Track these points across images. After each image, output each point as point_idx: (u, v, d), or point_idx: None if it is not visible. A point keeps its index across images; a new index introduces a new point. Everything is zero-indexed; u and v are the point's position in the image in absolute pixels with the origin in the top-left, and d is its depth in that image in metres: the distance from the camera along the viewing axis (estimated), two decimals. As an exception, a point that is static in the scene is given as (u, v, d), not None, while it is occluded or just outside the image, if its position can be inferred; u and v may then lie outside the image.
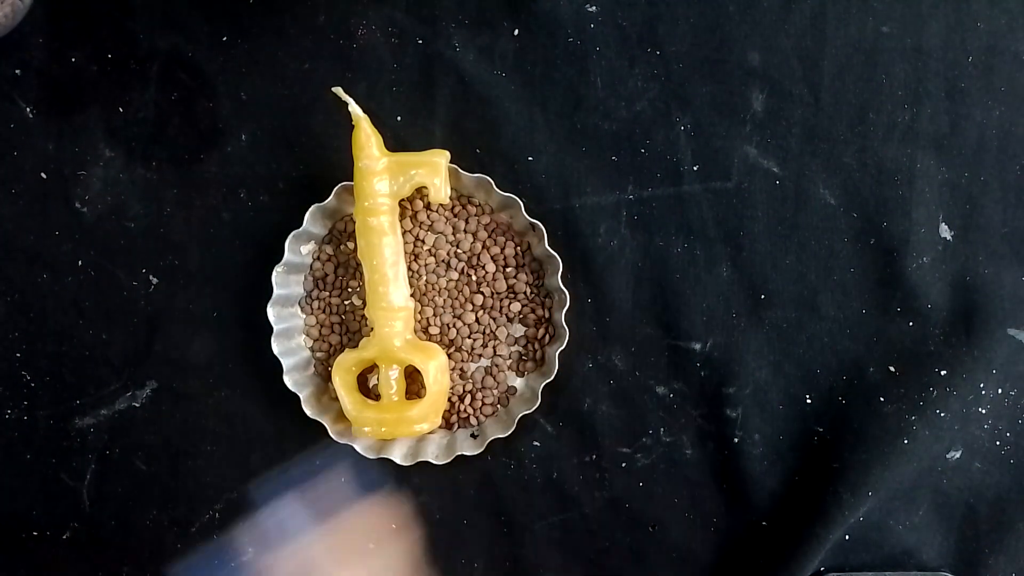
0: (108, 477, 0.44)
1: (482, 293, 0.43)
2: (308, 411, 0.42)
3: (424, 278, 0.43)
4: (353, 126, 0.40)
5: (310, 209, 0.42)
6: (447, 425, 0.44)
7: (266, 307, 0.42)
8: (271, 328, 0.42)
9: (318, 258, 0.44)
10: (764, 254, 0.44)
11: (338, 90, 0.40)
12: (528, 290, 0.44)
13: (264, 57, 0.44)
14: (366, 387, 0.44)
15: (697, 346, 0.44)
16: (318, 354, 0.44)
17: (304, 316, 0.44)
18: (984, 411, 0.44)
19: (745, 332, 0.44)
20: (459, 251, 0.43)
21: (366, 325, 0.44)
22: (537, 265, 0.44)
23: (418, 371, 0.42)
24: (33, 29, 0.43)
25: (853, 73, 0.44)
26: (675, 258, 0.44)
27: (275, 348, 0.42)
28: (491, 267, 0.43)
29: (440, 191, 0.41)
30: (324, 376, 0.44)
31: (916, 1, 0.44)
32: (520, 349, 0.44)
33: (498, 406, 0.44)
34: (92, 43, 0.44)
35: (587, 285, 0.44)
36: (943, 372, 0.43)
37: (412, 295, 0.43)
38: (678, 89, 0.44)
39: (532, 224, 0.42)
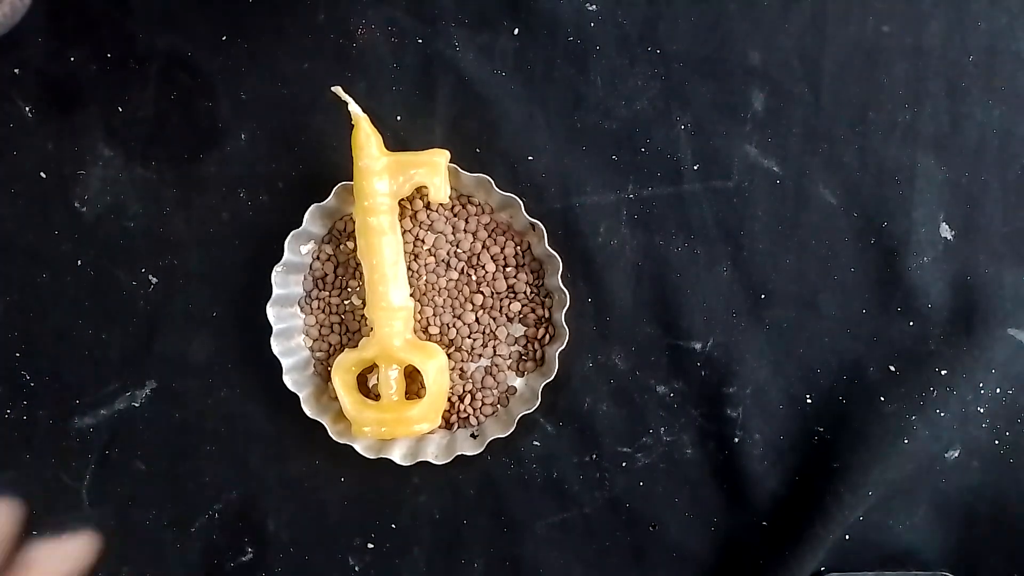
0: (108, 477, 0.44)
1: (482, 293, 0.43)
2: (308, 411, 0.42)
3: (424, 278, 0.43)
4: (353, 126, 0.40)
5: (310, 209, 0.42)
6: (447, 425, 0.44)
7: (266, 307, 0.42)
8: (271, 328, 0.42)
9: (318, 258, 0.44)
10: (764, 254, 0.44)
11: (338, 90, 0.40)
12: (528, 290, 0.44)
13: (264, 57, 0.44)
14: (366, 387, 0.44)
15: (697, 346, 0.44)
16: (318, 354, 0.44)
17: (304, 316, 0.44)
18: (983, 410, 0.44)
19: (745, 332, 0.44)
20: (459, 251, 0.43)
21: (366, 325, 0.44)
22: (537, 265, 0.44)
23: (418, 371, 0.42)
24: (33, 29, 0.43)
25: (853, 72, 0.44)
26: (675, 257, 0.44)
27: (275, 348, 0.42)
28: (491, 267, 0.43)
29: (440, 191, 0.41)
30: (324, 376, 0.44)
31: (916, 1, 0.44)
32: (520, 349, 0.44)
33: (498, 406, 0.44)
34: (91, 43, 0.44)
35: (587, 285, 0.44)
36: (943, 372, 0.43)
37: (412, 295, 0.43)
38: (678, 88, 0.44)
39: (532, 224, 0.42)
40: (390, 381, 0.42)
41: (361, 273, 0.43)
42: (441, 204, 0.43)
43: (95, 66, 0.44)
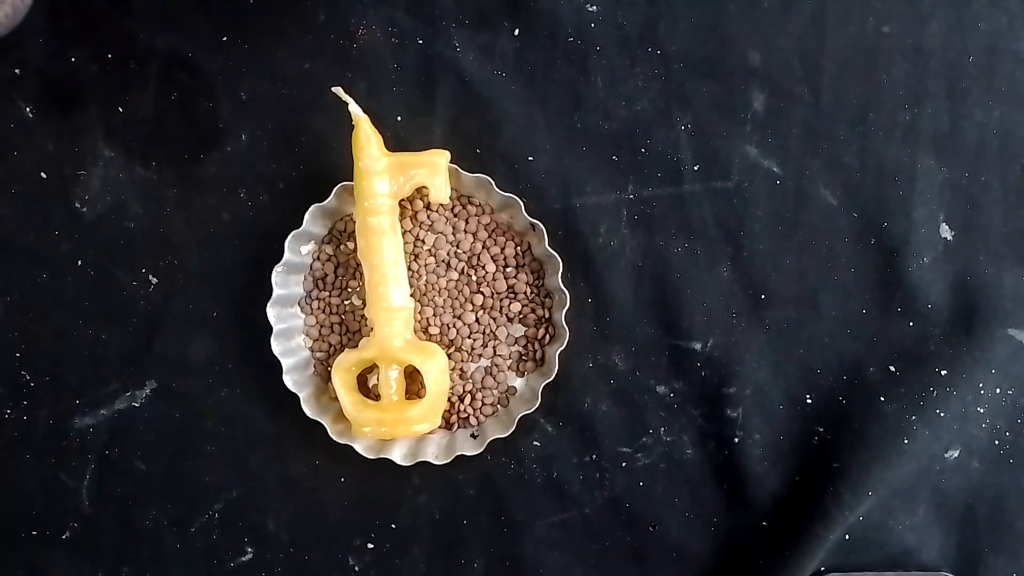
0: (108, 477, 0.44)
1: (482, 293, 0.43)
2: (308, 411, 0.42)
3: (424, 278, 0.43)
4: (353, 126, 0.40)
5: (310, 209, 0.42)
6: (447, 425, 0.44)
7: (266, 307, 0.42)
8: (271, 328, 0.42)
9: (318, 258, 0.44)
10: (764, 254, 0.44)
11: (338, 90, 0.40)
12: (528, 290, 0.44)
13: (264, 57, 0.44)
14: (366, 387, 0.44)
15: (697, 346, 0.44)
16: (318, 354, 0.44)
17: (304, 316, 0.44)
18: (982, 410, 0.44)
19: (745, 332, 0.44)
20: (459, 251, 0.43)
21: (366, 325, 0.44)
22: (537, 265, 0.44)
23: (418, 371, 0.42)
24: (33, 29, 0.43)
25: (853, 73, 0.44)
26: (675, 258, 0.44)
27: (275, 348, 0.42)
28: (491, 267, 0.43)
29: (440, 191, 0.41)
30: (324, 376, 0.44)
31: (916, 1, 0.44)
32: (520, 349, 0.44)
33: (498, 406, 0.44)
34: (92, 43, 0.44)
35: (587, 285, 0.44)
36: (943, 372, 0.43)
37: (412, 295, 0.43)
38: (678, 89, 0.44)
39: (532, 224, 0.42)
40: (390, 381, 0.42)
41: (361, 273, 0.43)
42: (441, 204, 0.43)
43: (95, 66, 0.44)
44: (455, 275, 0.43)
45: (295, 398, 0.42)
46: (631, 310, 0.44)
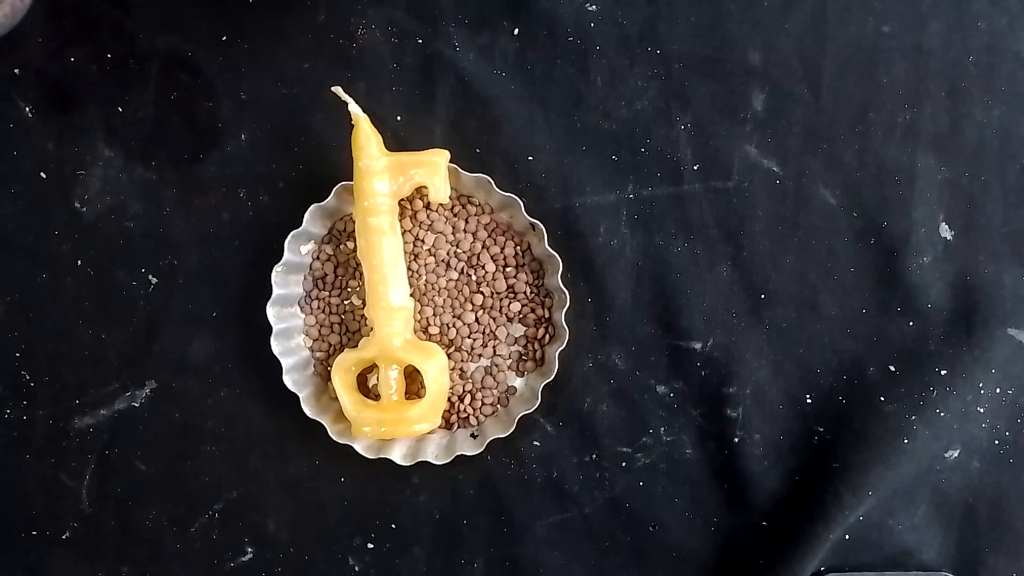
0: (108, 477, 0.44)
1: (482, 293, 0.43)
2: (308, 411, 0.42)
3: (424, 278, 0.43)
4: (353, 126, 0.40)
5: (310, 209, 0.42)
6: (447, 425, 0.44)
7: (266, 307, 0.42)
8: (271, 328, 0.42)
9: (317, 258, 0.44)
10: (764, 254, 0.44)
11: (338, 89, 0.40)
12: (528, 290, 0.44)
13: (264, 57, 0.44)
14: (366, 387, 0.44)
15: (697, 345, 0.44)
16: (318, 354, 0.44)
17: (304, 316, 0.44)
18: (983, 410, 0.44)
19: (745, 332, 0.44)
20: (459, 251, 0.43)
21: (366, 325, 0.44)
22: (537, 265, 0.44)
23: (418, 371, 0.42)
24: (33, 29, 0.43)
25: (853, 73, 0.44)
26: (675, 257, 0.44)
27: (275, 348, 0.42)
28: (491, 267, 0.43)
29: (440, 191, 0.41)
30: (324, 376, 0.44)
31: (916, 1, 0.44)
32: (520, 349, 0.44)
33: (498, 406, 0.44)
34: (91, 43, 0.44)
35: (587, 285, 0.44)
36: (943, 372, 0.43)
37: (412, 295, 0.43)
38: (678, 88, 0.44)
39: (532, 224, 0.42)
40: (390, 381, 0.42)
41: (361, 273, 0.43)
42: (441, 204, 0.43)
43: (95, 66, 0.44)
44: (455, 275, 0.43)
45: (295, 398, 0.42)
46: (631, 310, 0.44)
